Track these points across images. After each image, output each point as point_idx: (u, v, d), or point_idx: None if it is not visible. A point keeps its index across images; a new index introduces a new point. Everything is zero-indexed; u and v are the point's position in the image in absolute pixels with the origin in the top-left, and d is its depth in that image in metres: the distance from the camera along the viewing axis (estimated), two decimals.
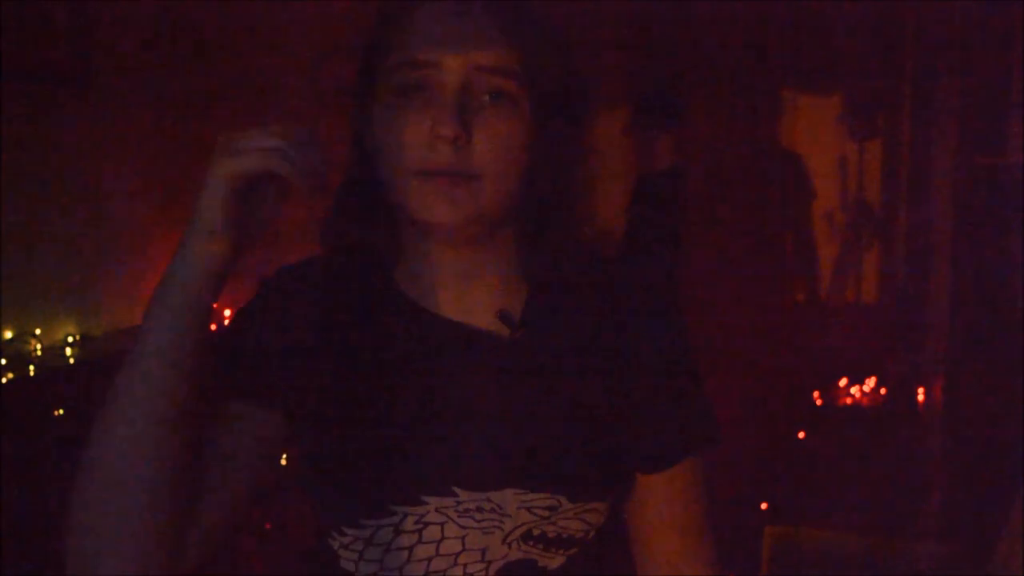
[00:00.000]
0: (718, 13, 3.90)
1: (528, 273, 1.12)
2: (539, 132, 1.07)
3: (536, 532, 1.08)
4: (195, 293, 0.98)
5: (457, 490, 1.06)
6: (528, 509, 1.07)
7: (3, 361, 2.55)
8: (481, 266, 1.11)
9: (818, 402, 3.97)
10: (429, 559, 1.08)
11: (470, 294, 1.11)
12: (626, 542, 1.18)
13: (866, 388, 3.95)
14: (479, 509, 1.06)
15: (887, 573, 2.62)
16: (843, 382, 3.97)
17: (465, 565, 1.08)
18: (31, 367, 2.61)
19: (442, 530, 1.07)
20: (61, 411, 2.52)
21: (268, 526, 2.90)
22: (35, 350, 2.69)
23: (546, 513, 1.07)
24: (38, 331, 2.72)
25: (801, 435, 3.89)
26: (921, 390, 3.62)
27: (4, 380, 2.50)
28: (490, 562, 1.08)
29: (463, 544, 1.07)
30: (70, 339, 2.79)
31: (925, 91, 3.58)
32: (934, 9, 3.47)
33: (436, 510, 1.07)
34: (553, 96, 1.07)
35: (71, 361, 2.72)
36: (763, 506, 3.54)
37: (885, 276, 4.17)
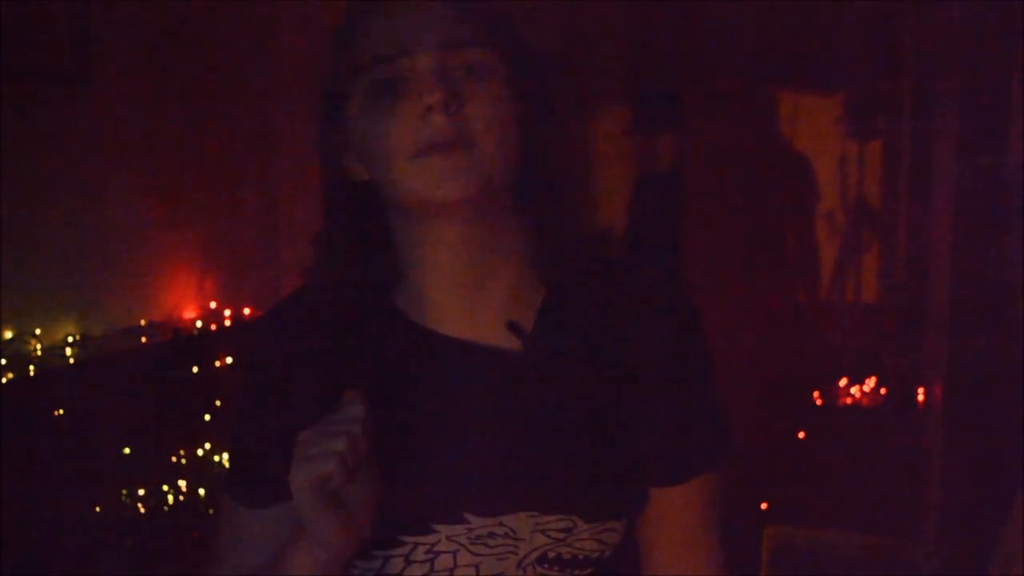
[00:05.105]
0: (718, 13, 3.90)
1: (541, 266, 1.08)
2: (521, 101, 1.04)
3: (551, 555, 1.05)
4: None
5: (468, 516, 1.04)
6: (543, 532, 1.04)
7: (3, 361, 2.55)
8: (490, 268, 1.07)
9: (818, 402, 3.96)
10: None
11: (479, 303, 1.07)
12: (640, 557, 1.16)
13: (866, 388, 3.95)
14: (492, 535, 1.04)
15: (887, 573, 2.62)
16: (843, 382, 3.96)
17: None
18: (31, 367, 2.61)
19: (454, 559, 1.04)
20: (61, 411, 2.52)
21: None
22: (35, 350, 2.68)
23: (561, 535, 1.05)
24: (38, 331, 2.71)
25: (801, 435, 3.89)
26: (921, 390, 3.62)
27: (4, 380, 2.49)
28: None
29: (477, 572, 1.05)
30: (70, 339, 2.78)
31: (925, 91, 3.57)
32: (934, 9, 3.47)
33: (447, 538, 1.04)
34: (525, 65, 1.06)
35: (71, 361, 2.72)
36: (763, 506, 3.54)
37: (885, 276, 4.17)
